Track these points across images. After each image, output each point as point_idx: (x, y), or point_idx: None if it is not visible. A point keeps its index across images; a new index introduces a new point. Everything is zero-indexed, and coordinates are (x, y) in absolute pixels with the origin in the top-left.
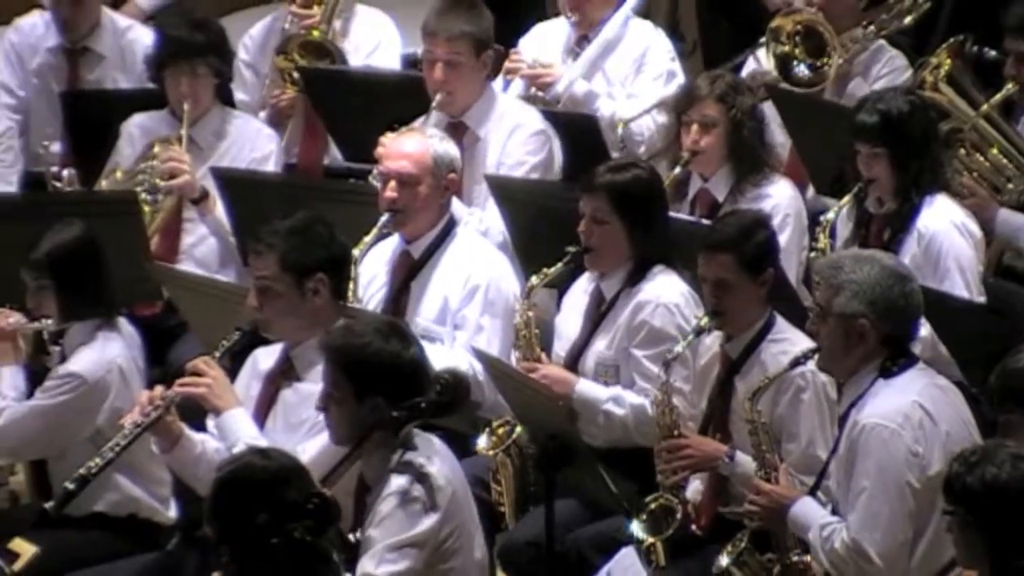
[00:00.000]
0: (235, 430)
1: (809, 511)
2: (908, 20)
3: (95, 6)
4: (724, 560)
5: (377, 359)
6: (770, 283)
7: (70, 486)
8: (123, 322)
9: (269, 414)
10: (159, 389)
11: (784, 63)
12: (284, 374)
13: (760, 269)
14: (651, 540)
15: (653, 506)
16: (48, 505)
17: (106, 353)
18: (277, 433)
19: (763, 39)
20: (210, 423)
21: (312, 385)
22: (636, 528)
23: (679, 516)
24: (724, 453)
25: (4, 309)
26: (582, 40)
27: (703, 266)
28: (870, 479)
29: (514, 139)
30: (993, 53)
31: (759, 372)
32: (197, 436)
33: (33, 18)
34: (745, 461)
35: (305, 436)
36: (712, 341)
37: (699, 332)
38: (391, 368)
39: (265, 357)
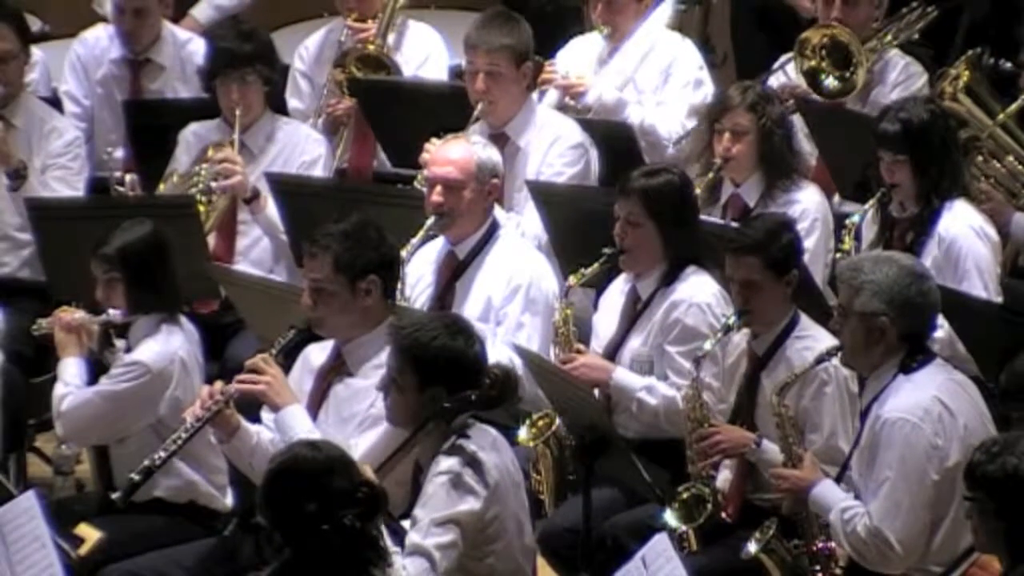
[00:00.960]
0: (292, 426)
1: (829, 493)
2: (918, 28)
3: (156, 20)
4: (752, 547)
5: (444, 353)
6: (795, 283)
7: (136, 477)
8: (184, 319)
9: (321, 408)
10: (219, 385)
11: (813, 76)
12: (336, 370)
13: (785, 270)
14: (683, 528)
15: (685, 495)
16: (115, 496)
17: (169, 345)
18: (329, 426)
19: (791, 53)
20: (264, 414)
21: (362, 380)
22: (669, 516)
23: (710, 505)
24: (752, 440)
25: (69, 307)
26: (614, 52)
27: (731, 267)
28: (892, 470)
29: (553, 150)
30: (1009, 65)
31: (784, 368)
32: (253, 428)
33: (97, 31)
34: (771, 448)
35: (356, 429)
36: (740, 339)
37: (727, 330)
38: (456, 362)
39: (317, 353)
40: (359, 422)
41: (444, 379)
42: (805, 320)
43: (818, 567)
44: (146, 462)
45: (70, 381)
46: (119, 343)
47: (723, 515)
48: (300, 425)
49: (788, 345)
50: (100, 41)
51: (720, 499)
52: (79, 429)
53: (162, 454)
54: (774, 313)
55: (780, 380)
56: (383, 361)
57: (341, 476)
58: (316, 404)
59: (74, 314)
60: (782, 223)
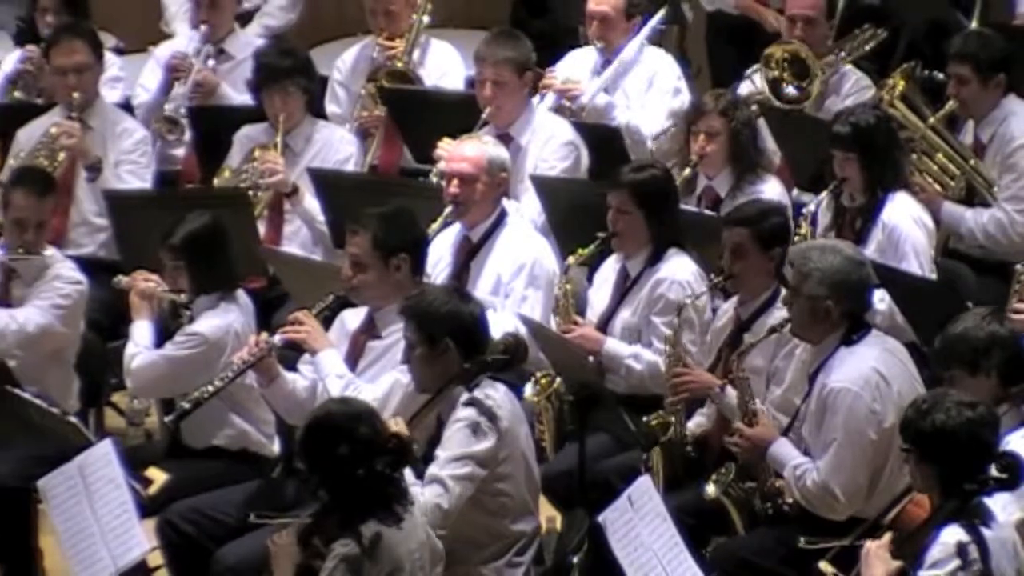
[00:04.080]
0: (327, 366)
1: (784, 451)
2: (869, 48)
3: (230, 14)
4: (711, 488)
5: (442, 310)
6: (779, 260)
7: (186, 405)
8: (241, 294)
9: (358, 364)
10: (264, 334)
11: (775, 85)
12: (368, 332)
13: (770, 245)
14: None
15: (654, 422)
16: (167, 418)
17: (226, 319)
18: (364, 378)
19: (757, 65)
20: (301, 366)
21: (390, 340)
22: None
23: (671, 432)
24: (717, 385)
25: (143, 271)
26: (605, 63)
27: (725, 235)
28: (838, 433)
29: (548, 147)
30: (940, 75)
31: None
32: (289, 375)
33: (173, 43)
34: (732, 396)
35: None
36: (728, 306)
37: (714, 287)
38: (453, 316)
39: (351, 317)
40: (387, 370)
41: (451, 335)
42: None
43: (768, 504)
44: (195, 394)
45: (139, 342)
46: (185, 312)
47: (688, 450)
48: (334, 366)
49: (769, 313)
50: (177, 46)
51: (685, 432)
52: (145, 385)
53: (210, 388)
54: (757, 282)
55: (744, 345)
56: None
57: (367, 425)
58: (353, 360)
59: (150, 280)
60: (775, 207)
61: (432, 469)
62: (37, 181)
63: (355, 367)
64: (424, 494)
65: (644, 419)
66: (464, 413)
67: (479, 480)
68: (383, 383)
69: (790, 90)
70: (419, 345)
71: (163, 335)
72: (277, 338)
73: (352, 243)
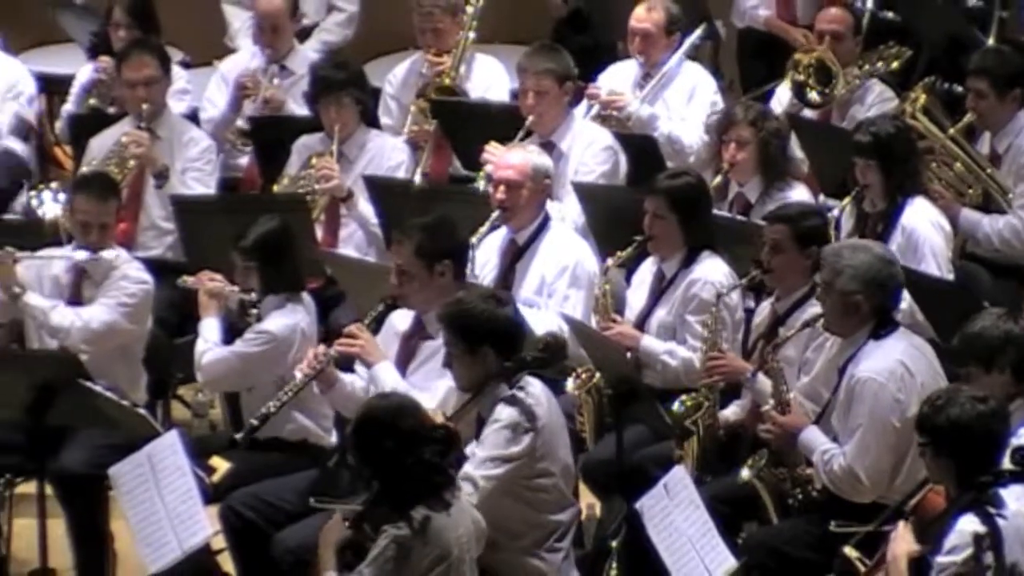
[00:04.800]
0: (383, 378)
1: (814, 438)
2: (895, 65)
3: (289, 34)
4: (745, 473)
5: (478, 316)
6: (814, 259)
7: (254, 422)
8: (306, 295)
9: (409, 365)
10: (322, 348)
11: (800, 89)
12: (419, 334)
13: (807, 244)
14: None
15: (688, 403)
16: (237, 436)
17: (293, 318)
18: (417, 378)
19: (780, 81)
20: (358, 367)
21: (439, 342)
22: (676, 405)
23: (703, 411)
24: (748, 370)
25: (208, 271)
26: (646, 76)
27: (765, 231)
28: (863, 420)
29: (588, 152)
30: (959, 89)
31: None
32: (347, 378)
33: (238, 56)
34: (763, 382)
35: (438, 378)
36: (766, 305)
37: (751, 280)
38: (489, 321)
39: (400, 320)
40: (439, 373)
41: (488, 339)
42: None
43: (798, 490)
44: (263, 410)
45: (209, 338)
46: (253, 311)
47: (720, 433)
48: (389, 378)
49: (805, 308)
50: (240, 60)
51: (716, 412)
52: (215, 379)
53: (276, 403)
54: (793, 279)
55: (781, 337)
56: None
57: (409, 417)
58: (404, 362)
59: (216, 280)
60: (816, 210)
61: (467, 467)
62: (98, 185)
63: (406, 368)
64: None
65: (679, 399)
66: (505, 413)
67: (511, 479)
68: (438, 391)
69: (813, 95)
70: (458, 349)
71: (230, 332)
72: (333, 351)
73: (397, 253)
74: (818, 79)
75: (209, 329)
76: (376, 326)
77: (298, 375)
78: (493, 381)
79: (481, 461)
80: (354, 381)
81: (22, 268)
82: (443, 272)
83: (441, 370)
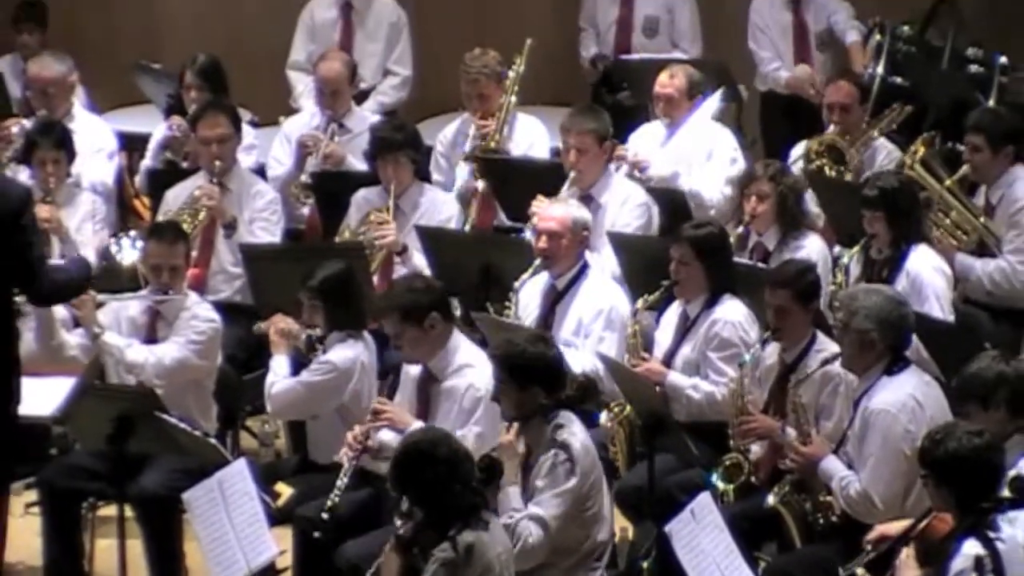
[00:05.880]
0: None
1: (833, 466)
2: (898, 123)
3: (348, 97)
4: (771, 499)
5: (529, 358)
6: (816, 310)
7: (325, 516)
8: (366, 333)
9: (429, 411)
10: (358, 429)
11: (819, 170)
12: (429, 380)
13: (809, 300)
14: (724, 487)
15: (728, 463)
16: (323, 514)
17: (355, 351)
18: (437, 421)
19: (799, 153)
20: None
21: (448, 383)
22: (716, 478)
23: (745, 471)
24: (779, 427)
25: (279, 315)
26: (670, 136)
27: (769, 295)
28: (876, 449)
29: (624, 207)
30: (960, 147)
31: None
32: (387, 437)
33: (302, 117)
34: (791, 433)
35: (458, 418)
36: (772, 350)
37: (764, 342)
38: (538, 362)
39: (413, 368)
40: (456, 413)
41: (536, 379)
42: (822, 337)
43: (819, 515)
44: (328, 503)
45: (279, 372)
46: (319, 346)
47: (753, 479)
48: None
49: (810, 354)
50: (302, 120)
51: (752, 468)
52: (283, 408)
53: (337, 491)
54: (800, 332)
55: (801, 374)
56: (459, 364)
57: (444, 446)
58: (424, 407)
59: (287, 321)
60: (809, 266)
61: (533, 508)
62: (167, 231)
63: (427, 411)
64: (532, 533)
65: (722, 461)
66: (552, 455)
67: (574, 507)
68: (468, 440)
69: (831, 174)
70: (509, 387)
71: (298, 368)
72: (368, 428)
73: (387, 323)
74: (832, 159)
75: (279, 364)
76: (393, 374)
77: (344, 462)
78: (535, 415)
79: (545, 500)
80: (392, 440)
81: (102, 310)
82: (433, 324)
83: (457, 411)
